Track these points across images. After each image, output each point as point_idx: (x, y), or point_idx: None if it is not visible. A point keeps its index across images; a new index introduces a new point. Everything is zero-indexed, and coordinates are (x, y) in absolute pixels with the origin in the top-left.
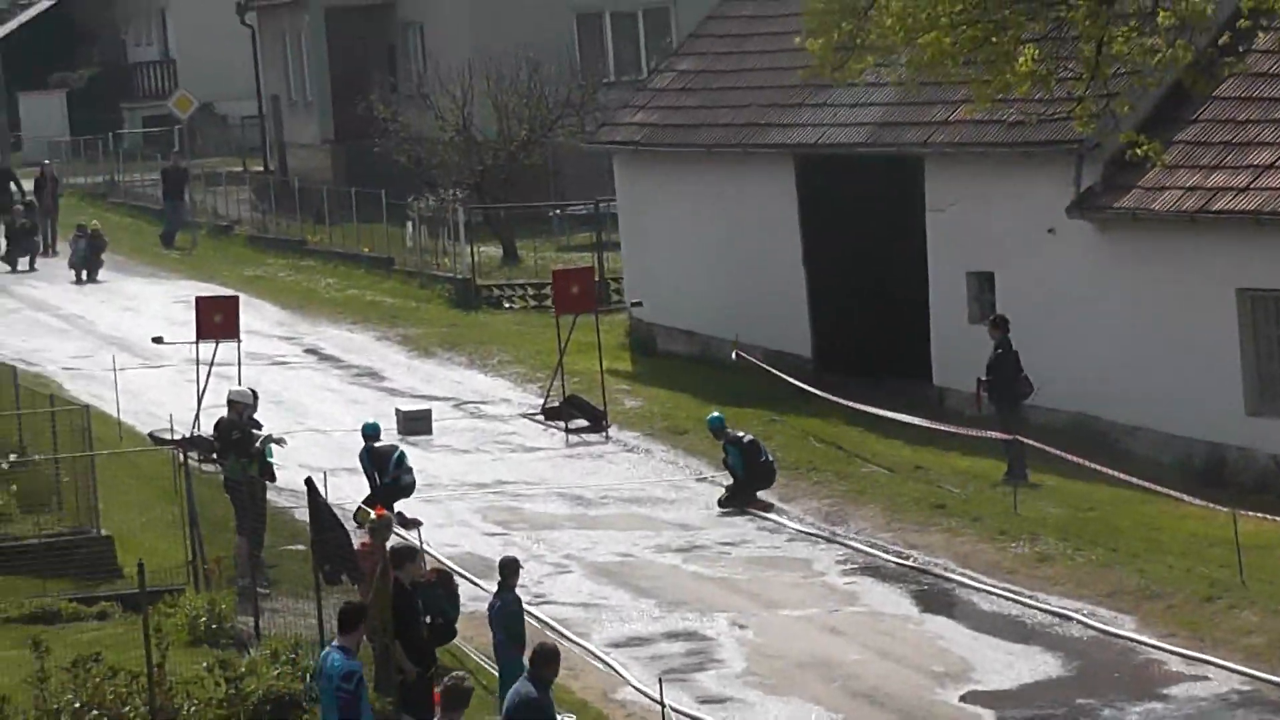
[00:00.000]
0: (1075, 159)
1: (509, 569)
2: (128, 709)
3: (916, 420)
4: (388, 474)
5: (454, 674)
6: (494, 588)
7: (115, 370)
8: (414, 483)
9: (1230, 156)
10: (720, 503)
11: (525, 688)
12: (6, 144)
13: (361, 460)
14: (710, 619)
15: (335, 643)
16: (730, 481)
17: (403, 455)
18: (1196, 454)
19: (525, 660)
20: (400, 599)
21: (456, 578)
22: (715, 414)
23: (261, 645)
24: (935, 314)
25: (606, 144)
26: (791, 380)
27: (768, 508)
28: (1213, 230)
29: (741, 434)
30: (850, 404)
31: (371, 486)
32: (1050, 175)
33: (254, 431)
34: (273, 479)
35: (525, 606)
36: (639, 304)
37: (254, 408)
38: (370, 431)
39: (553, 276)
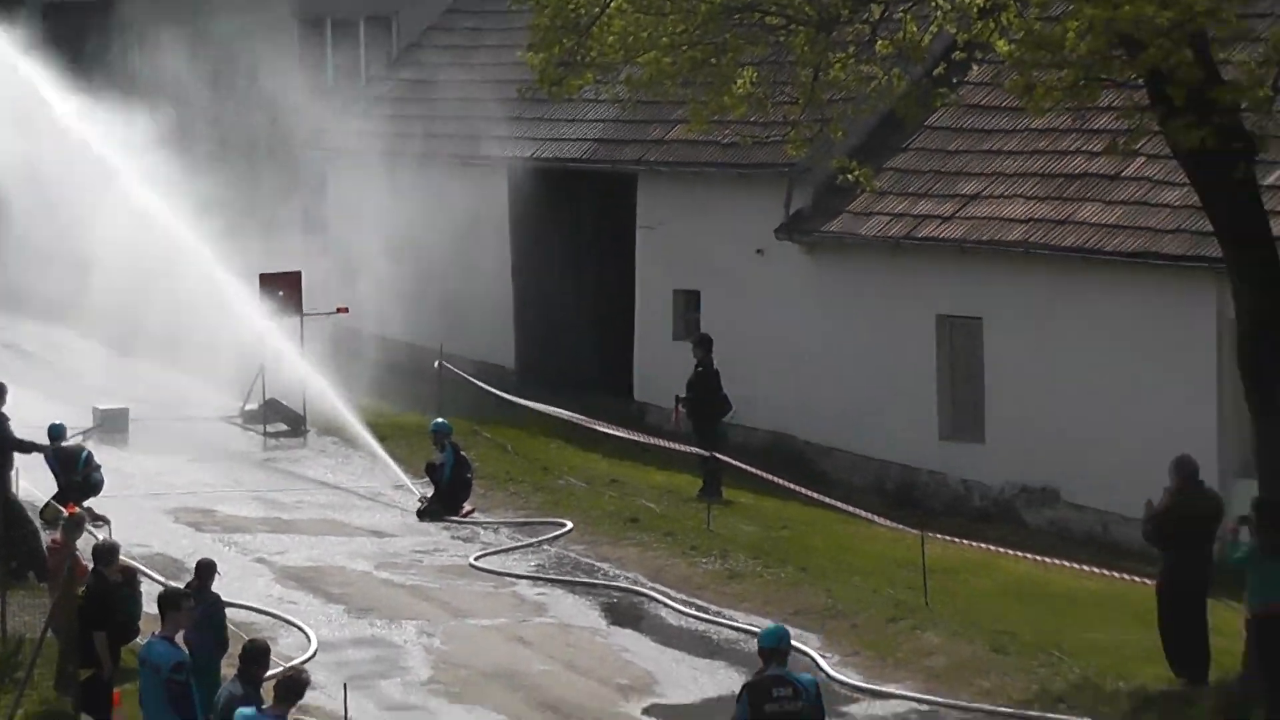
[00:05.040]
0: (786, 182)
1: (206, 571)
2: None
3: (616, 431)
4: (77, 473)
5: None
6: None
7: None
8: (103, 480)
9: (938, 185)
10: (419, 514)
11: (236, 687)
12: None
13: (48, 460)
14: (399, 626)
15: (157, 633)
16: (430, 491)
17: (90, 454)
18: (890, 477)
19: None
20: (106, 594)
21: (141, 577)
22: (441, 419)
23: None
24: (640, 330)
25: (323, 149)
26: (494, 391)
27: (468, 514)
28: (916, 257)
29: (459, 445)
30: (551, 410)
31: (59, 485)
32: (762, 197)
33: None
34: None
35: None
36: (345, 309)
37: None
38: (56, 432)
39: (259, 280)
